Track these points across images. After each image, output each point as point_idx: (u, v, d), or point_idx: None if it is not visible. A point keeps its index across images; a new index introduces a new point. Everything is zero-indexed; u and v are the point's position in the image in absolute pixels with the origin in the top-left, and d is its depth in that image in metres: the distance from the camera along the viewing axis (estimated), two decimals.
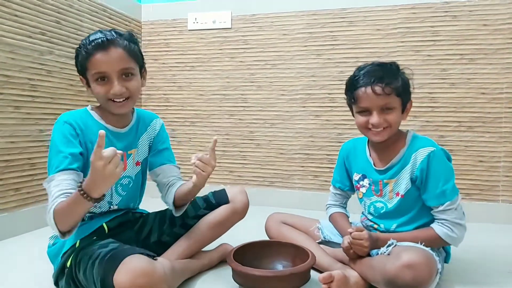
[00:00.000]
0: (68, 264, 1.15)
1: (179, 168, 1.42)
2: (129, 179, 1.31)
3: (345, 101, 1.35)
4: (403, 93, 1.25)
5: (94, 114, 1.25)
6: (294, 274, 1.18)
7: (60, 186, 1.07)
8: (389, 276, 1.07)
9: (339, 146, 2.26)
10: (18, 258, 1.52)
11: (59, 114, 1.95)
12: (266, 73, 2.46)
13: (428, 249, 1.19)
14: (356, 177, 1.40)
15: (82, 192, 0.96)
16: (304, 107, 2.41)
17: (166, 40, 2.66)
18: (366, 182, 1.37)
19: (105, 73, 1.15)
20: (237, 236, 1.50)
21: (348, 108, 1.36)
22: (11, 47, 1.74)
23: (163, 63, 2.66)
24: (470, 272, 1.43)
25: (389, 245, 1.21)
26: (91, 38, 1.16)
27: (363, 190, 1.38)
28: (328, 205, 1.51)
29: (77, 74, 1.24)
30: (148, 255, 1.04)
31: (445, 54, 2.16)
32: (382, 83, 1.21)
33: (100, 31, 1.18)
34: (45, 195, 1.86)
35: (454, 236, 1.21)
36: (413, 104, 1.30)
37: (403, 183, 1.28)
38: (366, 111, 1.26)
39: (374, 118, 1.23)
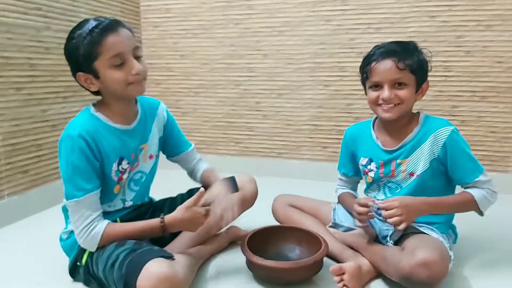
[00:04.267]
0: (84, 260, 1.16)
1: (192, 145, 1.44)
2: (141, 173, 1.28)
3: (355, 70, 1.34)
4: (418, 71, 1.21)
5: (100, 115, 1.15)
6: (308, 265, 1.19)
7: (91, 209, 1.11)
8: (403, 273, 1.07)
9: (349, 116, 2.29)
10: (30, 241, 1.55)
11: (61, 92, 1.94)
12: (272, 41, 2.36)
13: (440, 238, 1.20)
14: (363, 161, 1.37)
15: (162, 224, 1.13)
16: (312, 76, 2.33)
17: (166, 5, 2.52)
18: (373, 166, 1.34)
19: (122, 54, 1.07)
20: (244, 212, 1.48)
21: (358, 78, 1.33)
22: (7, 26, 1.65)
23: (164, 30, 2.55)
24: (478, 249, 1.46)
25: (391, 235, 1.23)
26: (91, 25, 1.06)
27: (371, 174, 1.35)
28: (336, 188, 1.51)
29: None
30: (166, 257, 1.04)
31: (461, 20, 2.06)
32: (396, 58, 1.19)
33: (93, 19, 1.09)
34: (53, 175, 1.92)
35: (491, 201, 1.23)
36: None
37: (420, 163, 1.25)
38: (377, 86, 1.23)
39: (385, 93, 1.20)
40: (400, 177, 1.30)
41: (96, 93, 1.16)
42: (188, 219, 1.14)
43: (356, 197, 1.45)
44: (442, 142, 1.21)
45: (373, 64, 1.22)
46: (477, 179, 1.22)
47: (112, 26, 1.07)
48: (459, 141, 1.22)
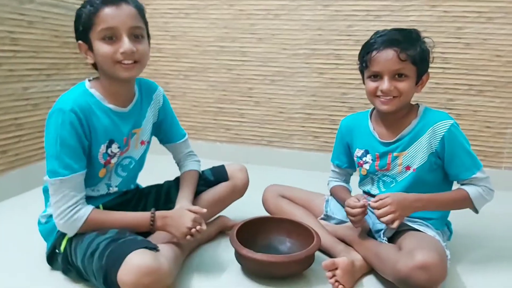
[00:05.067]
0: (62, 247, 1.10)
1: (185, 136, 1.38)
2: (130, 159, 1.22)
3: (352, 59, 1.31)
4: (420, 62, 1.16)
5: (95, 93, 1.10)
6: (299, 259, 1.15)
7: (76, 190, 1.05)
8: (401, 276, 1.02)
9: (343, 106, 2.24)
10: (8, 224, 1.48)
11: (44, 69, 1.85)
12: (267, 24, 2.28)
13: (436, 236, 1.16)
14: (358, 153, 1.33)
15: (152, 219, 1.09)
16: (307, 63, 2.26)
17: None
18: (369, 157, 1.30)
19: (114, 29, 1.02)
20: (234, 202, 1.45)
21: (355, 67, 1.28)
22: None
23: (154, 9, 2.44)
24: (470, 245, 1.44)
25: (384, 231, 1.19)
26: None
27: (366, 166, 1.31)
28: (329, 181, 1.47)
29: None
30: (150, 248, 0.98)
31: (462, 11, 2.00)
32: (398, 48, 1.13)
33: None
34: (33, 156, 1.83)
35: (487, 199, 1.20)
36: None
37: (417, 157, 1.21)
38: (377, 76, 1.18)
39: (385, 84, 1.15)
40: (396, 171, 1.25)
41: (95, 67, 1.12)
42: (177, 216, 1.10)
43: (349, 190, 1.41)
44: (441, 136, 1.17)
45: (373, 53, 1.16)
46: (474, 175, 1.18)
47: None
48: (458, 136, 1.18)
